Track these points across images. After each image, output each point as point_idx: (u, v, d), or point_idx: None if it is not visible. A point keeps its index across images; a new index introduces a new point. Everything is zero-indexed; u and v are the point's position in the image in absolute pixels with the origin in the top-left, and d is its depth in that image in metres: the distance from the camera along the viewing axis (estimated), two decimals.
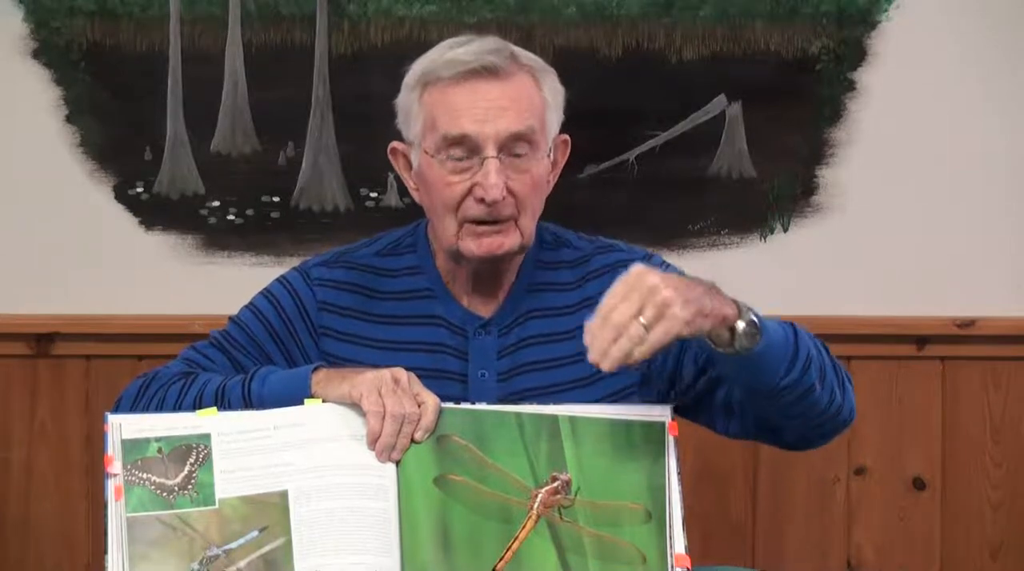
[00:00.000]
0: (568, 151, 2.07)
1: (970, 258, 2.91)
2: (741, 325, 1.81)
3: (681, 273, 1.91)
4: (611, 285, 1.78)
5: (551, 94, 2.00)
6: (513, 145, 1.95)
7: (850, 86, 2.89)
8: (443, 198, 1.97)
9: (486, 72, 1.94)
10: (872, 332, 2.90)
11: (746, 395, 1.94)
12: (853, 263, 2.91)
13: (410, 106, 2.00)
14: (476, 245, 1.97)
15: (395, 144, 2.06)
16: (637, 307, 1.75)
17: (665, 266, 2.08)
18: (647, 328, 1.75)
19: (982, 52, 2.88)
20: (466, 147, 1.94)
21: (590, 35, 2.86)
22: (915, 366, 2.92)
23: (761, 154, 2.89)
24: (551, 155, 2.02)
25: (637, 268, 1.78)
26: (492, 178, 1.93)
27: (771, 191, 2.90)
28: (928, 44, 2.88)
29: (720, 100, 2.88)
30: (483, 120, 1.93)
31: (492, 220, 1.96)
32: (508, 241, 1.97)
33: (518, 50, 1.99)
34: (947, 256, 2.91)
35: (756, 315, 1.83)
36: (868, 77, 2.90)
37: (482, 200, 1.94)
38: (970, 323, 2.90)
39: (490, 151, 1.93)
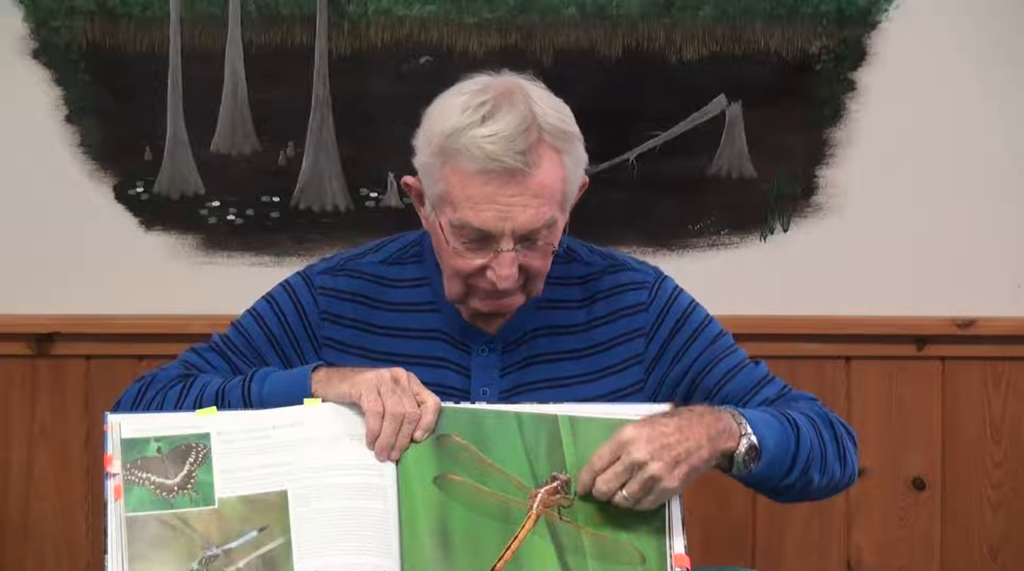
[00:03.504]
0: (585, 187, 2.00)
1: (970, 258, 2.91)
2: (741, 452, 1.85)
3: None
4: (604, 440, 1.81)
5: (573, 166, 1.93)
6: (531, 235, 1.90)
7: (850, 86, 2.89)
8: (455, 267, 1.93)
9: (508, 173, 1.87)
10: (872, 332, 2.90)
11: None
12: (853, 263, 2.91)
13: (429, 167, 1.93)
14: (482, 304, 1.95)
15: (408, 180, 2.00)
16: (622, 481, 1.79)
17: (677, 291, 2.07)
18: (633, 499, 1.79)
19: (982, 52, 2.88)
20: (483, 237, 1.89)
21: (590, 35, 2.86)
22: (915, 366, 2.92)
23: (761, 154, 2.89)
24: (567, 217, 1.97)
25: (626, 433, 1.80)
26: (506, 270, 1.89)
27: (771, 191, 2.90)
28: (928, 44, 2.88)
29: (720, 100, 2.88)
30: (503, 217, 1.87)
31: (500, 296, 1.93)
32: (516, 302, 1.96)
33: (544, 121, 1.89)
34: (947, 256, 2.91)
35: (757, 432, 1.86)
36: (868, 77, 2.89)
37: (493, 283, 1.91)
38: (970, 323, 2.90)
39: (506, 245, 1.89)
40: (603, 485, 1.79)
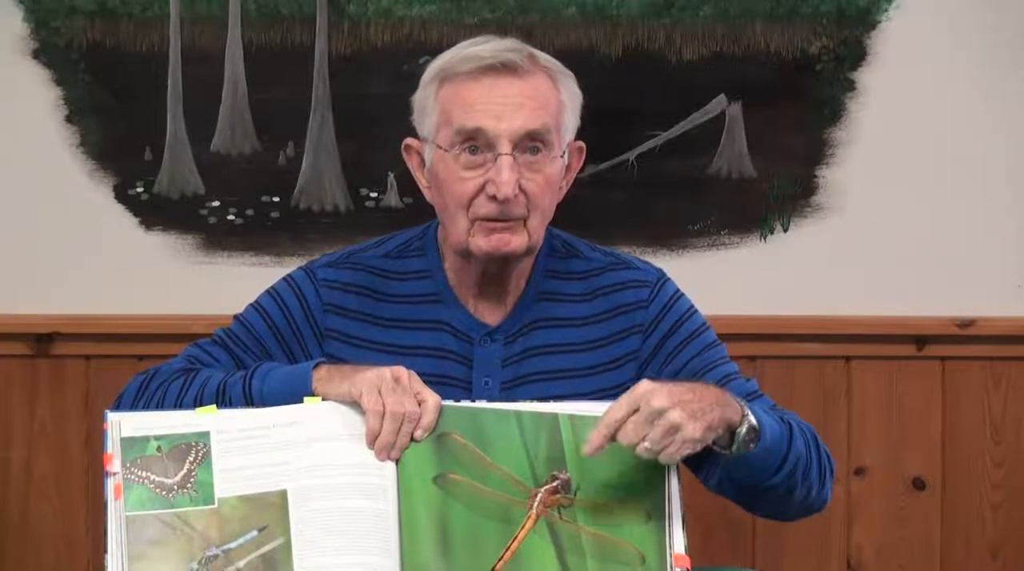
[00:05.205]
0: (583, 158, 2.06)
1: (970, 258, 2.91)
2: (743, 430, 1.84)
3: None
4: (617, 398, 1.80)
5: (568, 97, 1.99)
6: (527, 143, 1.94)
7: (850, 86, 2.89)
8: (455, 194, 1.96)
9: (504, 69, 1.94)
10: (872, 332, 2.90)
11: (730, 486, 1.95)
12: (853, 263, 2.91)
13: (426, 101, 2.00)
14: (485, 241, 1.96)
15: (409, 141, 2.05)
16: (643, 433, 1.77)
17: (678, 294, 2.08)
18: (654, 452, 1.77)
19: (982, 52, 2.88)
20: (480, 142, 1.94)
21: (590, 35, 2.86)
22: (915, 366, 2.92)
23: (761, 154, 2.89)
24: (565, 158, 2.01)
25: (644, 385, 1.79)
26: (505, 175, 1.92)
27: (771, 191, 2.90)
28: (928, 44, 2.88)
29: (720, 100, 2.88)
30: (499, 116, 1.93)
31: (503, 218, 1.95)
32: (516, 240, 1.97)
33: (537, 52, 1.99)
34: (947, 256, 2.91)
35: (756, 416, 1.86)
36: (868, 77, 2.89)
37: (494, 197, 1.93)
38: (970, 323, 2.90)
39: (504, 148, 1.92)
40: (624, 438, 1.77)
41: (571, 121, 2.01)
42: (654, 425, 1.77)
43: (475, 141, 1.94)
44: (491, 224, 1.95)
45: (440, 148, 1.97)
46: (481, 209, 1.95)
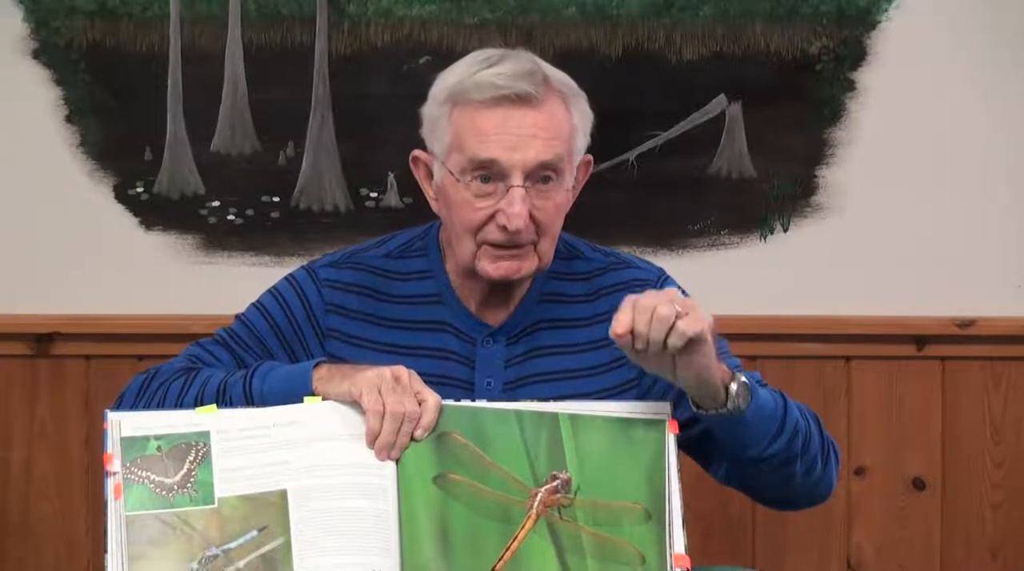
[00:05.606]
0: (590, 171, 2.06)
1: (970, 258, 2.91)
2: (734, 386, 1.85)
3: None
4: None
5: (580, 119, 1.98)
6: (540, 173, 1.93)
7: (850, 86, 2.89)
8: (464, 220, 1.95)
9: (518, 99, 1.92)
10: (872, 332, 2.90)
11: (730, 464, 1.96)
12: (853, 263, 2.91)
13: (437, 120, 1.98)
14: (493, 268, 1.96)
15: (417, 153, 2.04)
16: (647, 316, 1.77)
17: (680, 291, 2.08)
18: (659, 338, 1.77)
19: (982, 52, 2.88)
20: (493, 172, 1.92)
21: (590, 35, 2.87)
22: (915, 366, 2.92)
23: (761, 154, 2.89)
24: (575, 177, 2.01)
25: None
26: (516, 207, 1.91)
27: (771, 191, 2.90)
28: (928, 44, 2.88)
29: (720, 100, 2.88)
30: (512, 148, 1.91)
31: (512, 245, 1.95)
32: (526, 266, 1.97)
33: (550, 72, 1.97)
34: (947, 256, 2.91)
35: (748, 379, 1.87)
36: (868, 77, 2.89)
37: (504, 227, 1.93)
38: (970, 323, 2.90)
39: (516, 180, 1.92)
40: (641, 326, 1.77)
41: (582, 143, 2.00)
42: (672, 302, 1.78)
43: (487, 170, 1.93)
44: (499, 250, 1.95)
45: (451, 173, 1.96)
46: (490, 236, 1.95)
